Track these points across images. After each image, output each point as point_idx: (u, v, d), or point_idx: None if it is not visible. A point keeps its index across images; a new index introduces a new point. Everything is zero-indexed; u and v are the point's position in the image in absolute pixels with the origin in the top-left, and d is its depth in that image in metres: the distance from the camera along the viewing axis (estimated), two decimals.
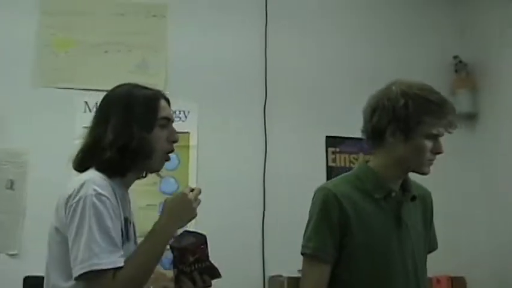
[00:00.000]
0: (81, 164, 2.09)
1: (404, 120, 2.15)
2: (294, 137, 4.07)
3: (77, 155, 2.11)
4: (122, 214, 2.03)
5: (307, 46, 4.27)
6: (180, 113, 3.91)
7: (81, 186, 1.95)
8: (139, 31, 4.04)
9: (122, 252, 1.93)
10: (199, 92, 3.98)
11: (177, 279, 2.08)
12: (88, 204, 1.91)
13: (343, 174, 2.36)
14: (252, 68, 4.10)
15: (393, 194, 2.23)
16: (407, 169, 2.25)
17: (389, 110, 2.18)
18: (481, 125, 4.30)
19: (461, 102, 4.29)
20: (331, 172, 4.08)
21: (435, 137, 2.18)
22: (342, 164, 4.14)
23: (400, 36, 4.47)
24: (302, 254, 2.23)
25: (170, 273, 2.19)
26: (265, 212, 3.91)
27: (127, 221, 2.08)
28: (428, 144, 2.17)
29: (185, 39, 4.05)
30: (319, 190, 2.26)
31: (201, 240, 2.08)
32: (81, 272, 1.87)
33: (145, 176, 2.22)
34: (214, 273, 2.08)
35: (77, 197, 1.93)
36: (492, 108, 4.19)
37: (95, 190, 1.93)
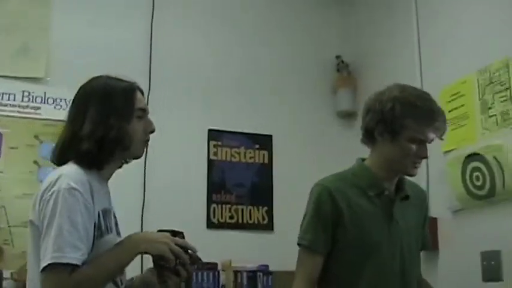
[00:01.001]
0: (60, 157, 2.09)
1: (391, 122, 2.28)
2: (176, 128, 4.02)
3: (55, 148, 2.12)
4: (98, 207, 2.02)
5: (194, 38, 4.24)
6: (61, 101, 3.79)
7: (56, 180, 1.95)
8: (21, 15, 3.87)
9: (85, 251, 1.92)
10: (82, 80, 3.86)
11: (160, 276, 2.06)
12: (60, 198, 1.92)
13: (341, 171, 2.49)
14: (136, 56, 4.02)
15: (386, 192, 2.36)
16: (395, 170, 2.37)
17: (378, 111, 2.31)
18: (359, 123, 4.40)
19: (341, 101, 4.43)
20: (212, 165, 4.09)
21: (420, 142, 2.30)
22: (223, 158, 4.14)
23: (287, 33, 4.52)
24: (298, 244, 2.38)
25: None
26: (145, 201, 3.86)
27: (106, 213, 2.08)
28: (413, 147, 2.29)
29: (69, 25, 3.93)
30: (316, 186, 2.41)
31: (179, 235, 2.06)
32: (45, 264, 1.87)
33: (127, 163, 2.23)
34: (195, 259, 2.06)
35: (51, 191, 1.94)
36: None
37: (68, 184, 1.94)
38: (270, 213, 4.14)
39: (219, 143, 4.15)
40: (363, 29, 4.44)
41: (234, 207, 4.09)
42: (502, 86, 3.02)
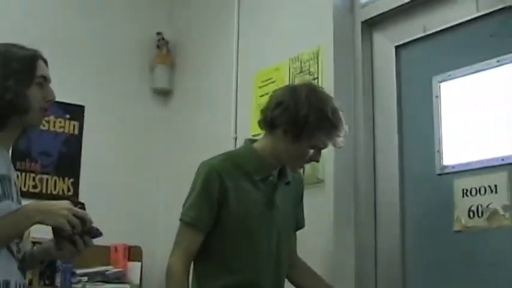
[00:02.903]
0: None
1: (300, 127, 2.34)
2: None
3: None
4: None
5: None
6: None
7: None
8: None
9: None
10: None
11: (57, 244, 2.06)
12: None
13: (228, 151, 2.64)
14: None
15: (271, 178, 2.46)
16: (284, 162, 2.47)
17: (292, 112, 2.35)
18: (174, 101, 4.45)
19: (158, 78, 4.41)
20: None
21: (318, 148, 2.42)
22: None
23: (109, 4, 4.41)
24: (180, 220, 2.45)
25: None
26: None
27: (5, 179, 2.07)
28: (310, 152, 2.41)
29: None
30: (204, 165, 2.47)
31: (79, 205, 2.04)
32: None
33: (26, 134, 2.23)
34: (95, 233, 2.06)
35: None
36: (186, 86, 4.35)
37: None
38: (76, 184, 4.04)
39: None
40: (188, 9, 4.43)
41: (39, 176, 3.94)
42: (311, 75, 3.14)
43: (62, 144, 4.06)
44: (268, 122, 2.45)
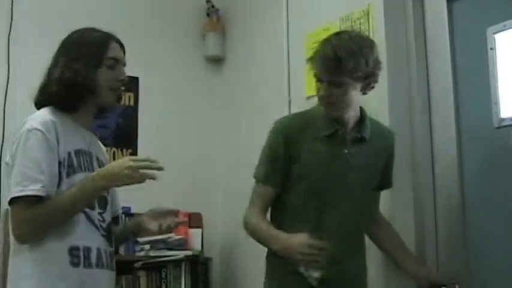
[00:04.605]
0: (37, 102, 2.29)
1: (370, 79, 2.45)
2: (39, 69, 3.89)
3: (36, 94, 2.30)
4: (68, 147, 2.19)
5: None
6: None
7: (24, 123, 2.16)
8: None
9: (47, 183, 2.08)
10: None
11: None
12: (22, 138, 2.13)
13: (300, 111, 2.68)
14: None
15: (339, 132, 2.50)
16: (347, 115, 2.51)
17: (364, 65, 2.39)
18: (227, 68, 4.46)
19: (209, 46, 4.42)
20: None
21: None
22: None
23: None
24: (254, 177, 2.57)
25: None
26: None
27: (80, 153, 2.23)
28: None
29: None
30: (276, 123, 2.58)
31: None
32: (9, 199, 2.09)
33: (103, 113, 2.39)
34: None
35: (18, 134, 2.16)
36: (238, 52, 4.35)
37: (31, 126, 2.13)
38: (134, 155, 4.09)
39: None
40: None
41: None
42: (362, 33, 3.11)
43: (119, 116, 4.12)
44: (364, 78, 2.45)
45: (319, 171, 2.49)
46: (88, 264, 2.16)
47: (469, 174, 2.74)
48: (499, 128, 2.61)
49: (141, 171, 2.09)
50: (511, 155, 2.53)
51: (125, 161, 2.13)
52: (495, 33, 2.65)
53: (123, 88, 2.35)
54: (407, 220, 2.84)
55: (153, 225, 2.40)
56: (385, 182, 2.67)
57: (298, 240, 2.32)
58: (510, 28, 2.60)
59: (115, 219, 2.46)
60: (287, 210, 2.54)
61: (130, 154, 4.10)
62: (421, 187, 2.88)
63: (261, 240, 2.52)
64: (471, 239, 2.71)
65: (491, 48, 2.66)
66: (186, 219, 3.92)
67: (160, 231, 2.43)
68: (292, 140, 2.50)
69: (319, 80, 2.46)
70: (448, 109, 2.83)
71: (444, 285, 2.59)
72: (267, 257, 2.58)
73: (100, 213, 2.26)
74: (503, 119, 2.59)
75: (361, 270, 2.62)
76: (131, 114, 4.18)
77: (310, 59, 2.49)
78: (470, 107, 2.77)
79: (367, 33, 3.06)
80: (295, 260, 2.34)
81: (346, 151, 2.50)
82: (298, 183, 2.50)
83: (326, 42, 2.46)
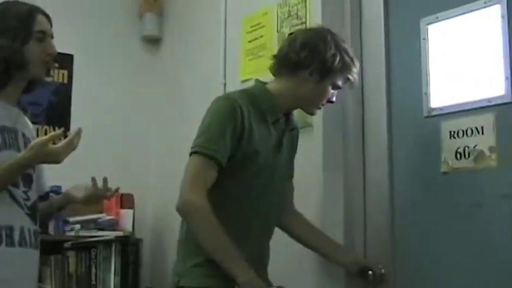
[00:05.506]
0: None
1: (329, 67, 2.41)
2: None
3: None
4: None
5: None
6: None
7: None
8: None
9: None
10: None
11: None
12: None
13: (240, 89, 2.56)
14: None
15: (281, 121, 2.48)
16: (300, 106, 2.53)
17: (321, 52, 2.40)
18: (164, 48, 4.44)
19: (147, 26, 4.39)
20: None
21: (336, 88, 2.50)
22: None
23: None
24: (196, 152, 2.30)
25: None
26: None
27: (3, 130, 2.16)
28: (331, 92, 2.49)
29: None
30: (224, 98, 2.43)
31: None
32: None
33: (33, 88, 2.33)
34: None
35: None
36: (175, 33, 4.33)
37: None
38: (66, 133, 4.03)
39: None
40: None
41: None
42: (298, 20, 3.13)
43: (52, 94, 4.06)
44: (292, 63, 2.45)
45: (267, 156, 2.42)
46: (10, 243, 2.12)
47: (399, 163, 2.79)
48: (428, 117, 2.67)
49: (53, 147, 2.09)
50: (439, 143, 2.59)
51: (36, 142, 2.11)
52: (428, 24, 2.70)
53: (54, 62, 2.31)
54: (337, 208, 2.89)
55: (80, 194, 2.38)
56: (292, 171, 2.69)
57: None
58: (442, 20, 2.65)
59: (44, 197, 2.42)
60: (221, 197, 2.35)
61: (63, 132, 4.02)
62: (351, 176, 2.93)
63: (215, 248, 2.26)
64: (398, 227, 2.77)
65: (423, 39, 2.71)
66: (118, 198, 3.91)
67: (88, 199, 2.40)
68: (244, 116, 2.35)
69: (339, 87, 2.51)
70: (380, 99, 2.88)
71: (371, 269, 2.65)
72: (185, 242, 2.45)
73: (25, 192, 2.21)
74: (433, 109, 2.65)
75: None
76: (65, 91, 4.12)
77: (349, 68, 2.49)
78: (402, 96, 2.83)
79: (303, 19, 3.09)
80: None
81: (283, 141, 2.51)
82: (243, 165, 2.37)
83: (344, 44, 2.52)
